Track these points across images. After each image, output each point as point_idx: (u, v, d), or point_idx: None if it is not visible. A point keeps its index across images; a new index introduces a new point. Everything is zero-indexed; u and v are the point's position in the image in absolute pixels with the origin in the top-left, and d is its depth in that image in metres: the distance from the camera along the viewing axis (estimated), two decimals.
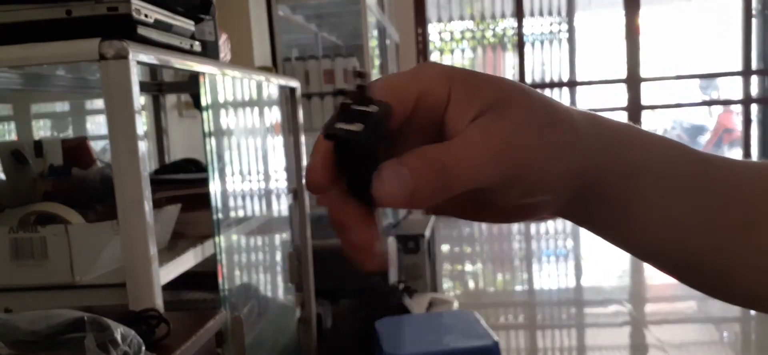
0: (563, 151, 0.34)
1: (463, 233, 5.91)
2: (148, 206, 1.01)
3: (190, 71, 1.32)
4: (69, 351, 0.73)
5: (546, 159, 0.34)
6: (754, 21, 6.21)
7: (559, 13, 7.26)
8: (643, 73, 6.14)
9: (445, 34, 7.51)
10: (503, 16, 7.32)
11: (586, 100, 6.92)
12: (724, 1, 7.95)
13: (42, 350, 0.74)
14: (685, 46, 9.47)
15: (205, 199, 1.39)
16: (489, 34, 7.53)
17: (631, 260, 4.47)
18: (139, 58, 1.00)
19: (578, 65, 7.39)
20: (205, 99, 1.36)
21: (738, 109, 7.32)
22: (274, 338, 1.97)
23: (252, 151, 1.78)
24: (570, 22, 7.39)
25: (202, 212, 1.41)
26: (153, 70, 2.19)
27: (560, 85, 7.02)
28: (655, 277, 4.16)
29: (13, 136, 1.84)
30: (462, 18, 7.49)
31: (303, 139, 2.22)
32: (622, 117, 5.93)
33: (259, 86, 1.88)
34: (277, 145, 2.07)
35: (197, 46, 1.32)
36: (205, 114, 1.37)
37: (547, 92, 0.36)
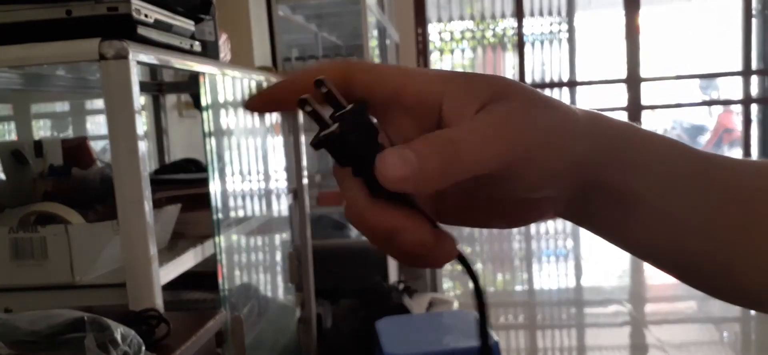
0: (566, 137, 0.34)
1: (463, 233, 5.90)
2: (148, 206, 1.01)
3: (190, 71, 1.32)
4: (69, 351, 0.73)
5: (548, 143, 0.34)
6: (754, 21, 6.20)
7: (559, 13, 7.27)
8: (643, 73, 6.14)
9: (445, 34, 7.52)
10: (503, 16, 7.33)
11: (586, 100, 6.92)
12: (724, 1, 7.96)
13: (42, 350, 0.74)
14: (685, 46, 9.48)
15: (205, 199, 1.39)
16: (489, 34, 7.53)
17: (631, 260, 4.47)
18: (139, 58, 1.00)
19: (578, 65, 7.40)
20: (205, 99, 1.36)
21: (738, 109, 7.32)
22: (274, 338, 1.97)
23: (252, 152, 1.78)
24: (570, 22, 7.40)
25: (202, 212, 1.41)
26: (153, 70, 2.19)
27: (560, 85, 7.02)
28: (655, 277, 4.16)
29: (13, 136, 1.84)
30: (462, 18, 7.49)
31: (303, 139, 2.22)
32: (622, 117, 5.90)
33: (260, 86, 1.88)
34: (277, 145, 2.07)
35: (197, 46, 1.32)
36: (205, 114, 1.37)
37: (547, 92, 0.36)
